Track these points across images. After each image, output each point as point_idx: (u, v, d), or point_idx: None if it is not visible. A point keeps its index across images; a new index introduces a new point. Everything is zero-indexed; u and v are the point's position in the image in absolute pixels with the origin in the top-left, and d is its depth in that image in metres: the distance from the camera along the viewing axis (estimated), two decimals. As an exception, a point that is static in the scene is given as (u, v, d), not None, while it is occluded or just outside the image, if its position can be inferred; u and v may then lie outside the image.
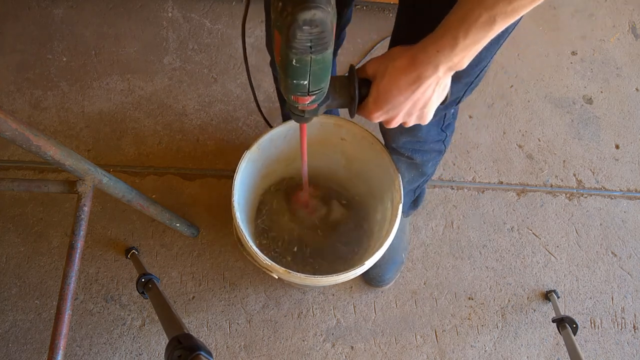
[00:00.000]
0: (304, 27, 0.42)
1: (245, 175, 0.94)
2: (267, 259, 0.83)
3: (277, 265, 0.83)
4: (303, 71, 0.48)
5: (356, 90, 0.59)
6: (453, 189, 1.36)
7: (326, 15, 0.42)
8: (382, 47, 1.53)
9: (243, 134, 1.39)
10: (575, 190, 1.39)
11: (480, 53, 0.64)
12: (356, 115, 0.64)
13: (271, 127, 0.95)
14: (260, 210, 1.20)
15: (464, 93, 0.73)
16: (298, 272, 0.83)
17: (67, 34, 1.51)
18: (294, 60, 0.46)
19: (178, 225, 1.14)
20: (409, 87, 0.55)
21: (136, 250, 1.23)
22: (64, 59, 1.47)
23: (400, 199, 0.89)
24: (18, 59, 1.46)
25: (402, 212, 1.17)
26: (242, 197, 0.95)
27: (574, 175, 1.41)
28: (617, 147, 1.46)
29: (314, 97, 0.55)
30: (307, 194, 1.11)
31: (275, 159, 1.05)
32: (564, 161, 1.42)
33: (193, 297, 1.21)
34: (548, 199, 1.37)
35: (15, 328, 1.17)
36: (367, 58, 1.51)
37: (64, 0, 1.55)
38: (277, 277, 0.88)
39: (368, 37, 1.54)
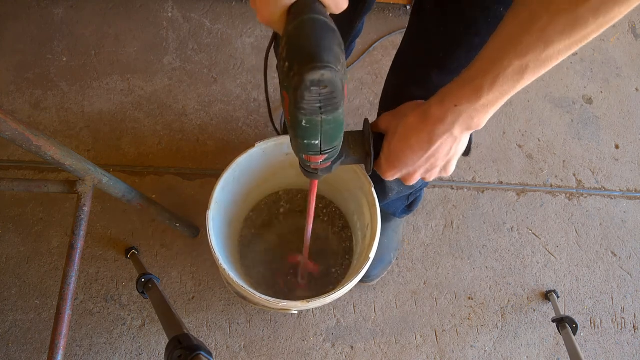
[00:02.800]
0: (312, 88, 0.39)
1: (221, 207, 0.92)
2: (261, 295, 0.80)
3: (271, 299, 0.80)
4: (314, 132, 0.45)
5: (371, 145, 0.56)
6: (453, 189, 1.36)
7: (335, 74, 0.39)
8: (382, 47, 1.54)
9: (243, 134, 1.39)
10: (575, 190, 1.39)
11: None
12: None
13: (279, 134, 0.93)
14: (244, 237, 1.18)
15: None
16: (289, 299, 0.80)
17: (67, 34, 1.51)
18: (304, 122, 0.43)
19: (178, 225, 1.14)
20: (422, 147, 0.50)
21: (136, 250, 1.23)
22: (64, 59, 1.47)
23: (377, 210, 0.86)
24: (18, 59, 1.46)
25: (395, 215, 1.17)
26: (220, 230, 0.93)
27: (574, 175, 1.41)
28: (617, 147, 1.46)
29: (326, 155, 0.51)
30: (306, 263, 1.07)
31: (252, 183, 1.03)
32: (564, 161, 1.42)
33: (193, 297, 1.21)
34: (548, 199, 1.37)
35: (15, 328, 1.17)
36: (365, 56, 1.51)
37: (64, 0, 1.55)
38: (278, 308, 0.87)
39: (368, 37, 1.54)
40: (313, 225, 1.16)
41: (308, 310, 1.21)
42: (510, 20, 0.41)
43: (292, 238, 1.18)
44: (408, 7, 1.58)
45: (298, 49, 0.40)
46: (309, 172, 0.59)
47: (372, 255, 0.83)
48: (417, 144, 0.50)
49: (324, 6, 0.43)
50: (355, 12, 0.89)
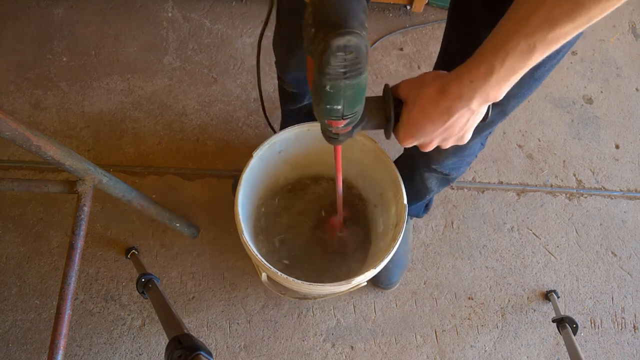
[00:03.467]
0: (338, 54, 0.41)
1: (250, 176, 0.94)
2: (282, 272, 0.83)
3: (287, 276, 0.83)
4: (337, 96, 0.47)
5: (392, 111, 0.57)
6: (453, 189, 1.36)
7: (361, 40, 0.40)
8: (382, 47, 1.54)
9: (243, 134, 1.39)
10: (575, 190, 1.39)
11: (536, 72, 0.58)
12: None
13: (274, 131, 0.95)
14: (262, 216, 1.18)
15: (513, 109, 0.70)
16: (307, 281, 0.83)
17: (67, 34, 1.51)
18: (328, 87, 0.45)
19: (178, 225, 1.14)
20: (441, 117, 0.52)
21: (136, 250, 1.23)
22: (64, 59, 1.47)
23: (405, 206, 0.89)
24: (18, 59, 1.46)
25: (417, 216, 1.18)
26: (245, 197, 0.95)
27: (574, 175, 1.41)
28: (617, 147, 1.46)
29: (348, 120, 0.53)
30: (341, 217, 1.07)
31: (283, 161, 1.05)
32: (564, 161, 1.42)
33: (193, 297, 1.21)
34: (548, 199, 1.37)
35: (15, 328, 1.17)
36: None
37: (64, 0, 1.55)
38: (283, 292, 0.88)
39: (368, 37, 1.54)
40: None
41: (308, 310, 1.21)
42: (519, 3, 0.44)
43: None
44: (408, 7, 1.58)
45: (324, 15, 0.40)
46: (331, 137, 0.60)
47: (385, 261, 0.85)
48: (437, 116, 0.53)
49: None
50: None
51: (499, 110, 0.68)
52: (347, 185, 1.19)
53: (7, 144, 1.34)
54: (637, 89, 1.55)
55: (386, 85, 0.59)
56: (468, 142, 0.60)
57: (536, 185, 1.39)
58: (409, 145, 0.59)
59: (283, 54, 0.91)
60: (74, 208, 0.81)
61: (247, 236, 0.86)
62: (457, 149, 0.73)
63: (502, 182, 1.38)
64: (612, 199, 1.38)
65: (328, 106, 0.48)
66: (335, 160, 0.75)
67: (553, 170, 1.41)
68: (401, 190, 0.91)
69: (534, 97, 1.50)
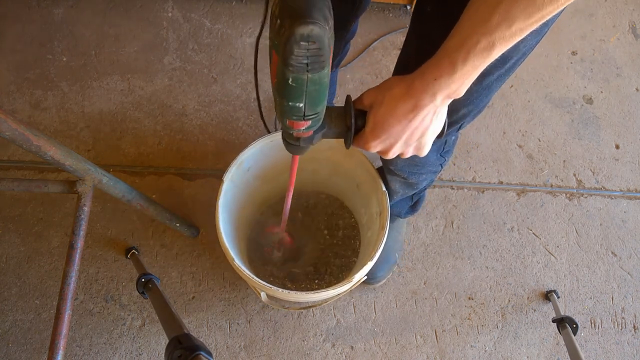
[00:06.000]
0: (301, 43, 0.42)
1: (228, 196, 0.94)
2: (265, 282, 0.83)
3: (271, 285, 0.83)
4: (299, 91, 0.47)
5: (352, 119, 0.58)
6: (453, 189, 1.36)
7: (324, 32, 0.42)
8: (382, 47, 1.54)
9: (243, 134, 1.39)
10: (575, 190, 1.39)
11: (484, 80, 0.62)
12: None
13: (269, 132, 0.95)
14: (251, 233, 1.20)
15: (465, 120, 0.73)
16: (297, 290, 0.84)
17: (67, 34, 1.51)
18: (290, 79, 0.46)
19: (178, 225, 1.14)
20: (406, 116, 0.54)
21: (136, 250, 1.23)
22: (64, 59, 1.47)
23: (385, 193, 0.91)
24: (18, 59, 1.46)
25: (400, 216, 1.18)
26: (227, 215, 0.95)
27: (574, 175, 1.41)
28: (617, 147, 1.46)
29: (310, 122, 0.54)
30: (285, 234, 1.09)
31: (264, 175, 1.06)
32: (564, 161, 1.42)
33: (193, 297, 1.21)
34: (548, 199, 1.37)
35: (15, 328, 1.17)
36: (365, 56, 1.51)
37: (64, 0, 1.55)
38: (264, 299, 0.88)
39: (367, 36, 1.54)
40: (321, 226, 1.16)
41: (308, 310, 1.21)
42: (478, 2, 0.46)
43: None
44: (408, 7, 1.58)
45: (290, 7, 0.42)
46: (292, 143, 0.61)
47: (378, 252, 0.86)
48: (402, 113, 0.54)
49: None
50: (350, 12, 0.91)
51: (452, 120, 0.71)
52: (318, 192, 1.22)
53: (7, 144, 1.34)
54: (637, 89, 1.55)
55: (348, 96, 0.61)
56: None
57: (536, 185, 1.39)
58: (374, 149, 0.60)
59: None
60: (74, 208, 0.81)
61: (238, 262, 0.85)
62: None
63: (502, 182, 1.38)
64: (612, 199, 1.38)
65: (290, 103, 0.49)
66: (290, 172, 0.74)
67: (553, 170, 1.41)
68: (377, 179, 0.92)
69: (534, 97, 1.50)
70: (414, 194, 1.08)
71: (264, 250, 1.17)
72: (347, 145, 0.62)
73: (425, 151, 0.60)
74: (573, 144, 1.45)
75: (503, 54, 0.47)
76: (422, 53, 0.54)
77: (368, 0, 0.89)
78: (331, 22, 0.44)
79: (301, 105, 0.50)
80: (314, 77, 0.46)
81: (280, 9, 0.43)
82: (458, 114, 0.70)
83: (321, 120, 0.56)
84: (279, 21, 0.43)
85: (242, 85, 1.45)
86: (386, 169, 0.93)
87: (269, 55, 0.48)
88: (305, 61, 0.44)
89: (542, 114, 1.48)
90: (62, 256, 1.23)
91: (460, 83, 0.50)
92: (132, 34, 1.51)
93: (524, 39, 0.47)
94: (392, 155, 0.61)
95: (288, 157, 0.89)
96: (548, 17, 0.44)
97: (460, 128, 0.75)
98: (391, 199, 1.05)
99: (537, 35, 0.59)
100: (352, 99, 0.60)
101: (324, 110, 0.55)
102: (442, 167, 0.92)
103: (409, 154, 0.61)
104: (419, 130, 0.56)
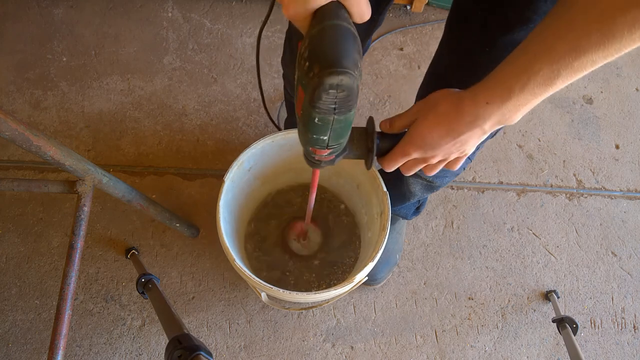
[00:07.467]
0: (330, 91, 0.41)
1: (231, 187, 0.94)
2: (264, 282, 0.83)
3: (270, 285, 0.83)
4: (324, 129, 0.47)
5: (374, 142, 0.58)
6: (453, 189, 1.36)
7: (353, 80, 0.41)
8: (382, 47, 1.53)
9: (243, 134, 1.39)
10: (575, 190, 1.39)
11: None
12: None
13: (278, 128, 0.95)
14: (251, 232, 1.20)
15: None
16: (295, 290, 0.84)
17: (67, 34, 1.51)
18: (317, 119, 0.45)
19: (178, 225, 1.14)
20: (450, 135, 0.51)
21: (136, 250, 1.23)
22: (64, 59, 1.47)
23: (385, 193, 0.90)
24: (18, 59, 1.46)
25: (406, 218, 1.19)
26: (228, 211, 0.95)
27: (574, 175, 1.41)
28: (617, 147, 1.46)
29: (332, 150, 0.54)
30: (306, 228, 1.11)
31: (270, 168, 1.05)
32: (564, 161, 1.42)
33: (193, 297, 1.21)
34: (548, 199, 1.37)
35: (15, 328, 1.17)
36: (365, 56, 1.51)
37: (64, 0, 1.55)
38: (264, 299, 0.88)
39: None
40: (321, 226, 1.16)
41: (308, 310, 1.21)
42: (546, 25, 0.42)
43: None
44: (408, 7, 1.58)
45: (319, 53, 0.41)
46: (313, 162, 0.61)
47: (379, 252, 0.86)
48: (447, 132, 0.51)
49: (349, 14, 0.44)
50: (365, 32, 0.91)
51: None
52: (318, 191, 1.21)
53: (7, 144, 1.34)
54: (637, 89, 1.55)
55: (370, 118, 0.60)
56: None
57: (536, 185, 1.39)
58: (411, 156, 0.57)
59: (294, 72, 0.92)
60: (74, 208, 0.81)
61: (239, 262, 0.85)
62: None
63: (502, 182, 1.38)
64: (612, 199, 1.38)
65: (315, 136, 0.49)
66: (312, 179, 0.76)
67: (553, 170, 1.41)
68: (377, 179, 0.92)
69: (534, 97, 1.50)
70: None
71: (287, 239, 1.18)
72: (368, 166, 0.61)
73: (456, 167, 0.58)
74: (573, 144, 1.45)
75: None
76: (458, 69, 0.51)
77: (382, 19, 0.89)
78: (360, 64, 0.43)
79: (325, 138, 0.49)
80: (340, 118, 0.45)
81: (309, 52, 0.42)
82: None
83: (343, 147, 0.56)
84: (307, 63, 0.42)
85: (242, 85, 1.45)
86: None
87: (294, 87, 0.47)
88: (333, 106, 0.43)
89: (542, 114, 1.48)
90: (62, 256, 1.23)
91: (515, 111, 0.46)
92: (132, 34, 1.51)
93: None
94: (431, 170, 0.58)
95: (288, 158, 0.89)
96: (626, 50, 0.38)
97: (494, 134, 0.71)
98: (406, 202, 1.06)
99: None
100: (374, 120, 0.59)
101: (347, 140, 0.54)
102: (464, 168, 0.90)
103: (452, 158, 0.58)
104: (459, 148, 0.53)
